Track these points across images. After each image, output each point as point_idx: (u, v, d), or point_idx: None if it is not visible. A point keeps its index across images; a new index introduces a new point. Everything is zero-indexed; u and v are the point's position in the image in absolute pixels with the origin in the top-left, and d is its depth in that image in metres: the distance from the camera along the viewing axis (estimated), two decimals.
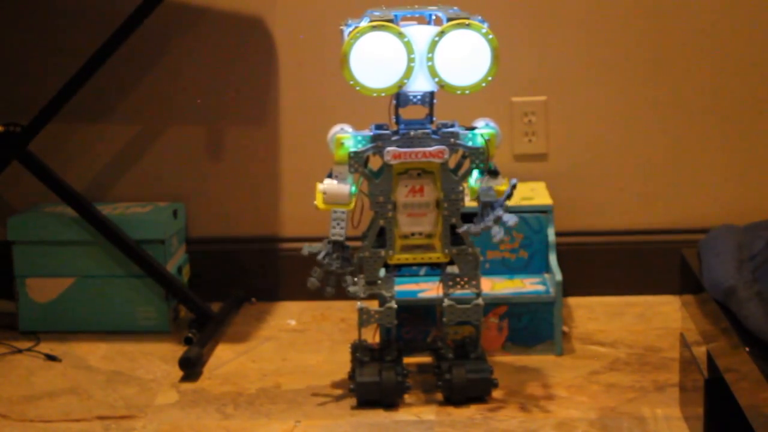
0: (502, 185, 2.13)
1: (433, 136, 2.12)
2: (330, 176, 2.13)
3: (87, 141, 2.71)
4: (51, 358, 2.40)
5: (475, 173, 2.14)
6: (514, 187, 2.11)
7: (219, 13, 2.65)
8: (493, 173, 2.13)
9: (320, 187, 2.14)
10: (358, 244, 2.16)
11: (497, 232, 2.08)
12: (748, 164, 2.64)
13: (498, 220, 2.09)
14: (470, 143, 2.13)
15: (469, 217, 2.34)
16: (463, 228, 2.11)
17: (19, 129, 2.45)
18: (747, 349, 1.58)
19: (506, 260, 2.46)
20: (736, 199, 2.65)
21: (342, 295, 2.18)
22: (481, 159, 2.11)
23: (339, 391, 2.20)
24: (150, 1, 2.41)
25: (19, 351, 2.44)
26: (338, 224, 2.13)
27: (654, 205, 2.67)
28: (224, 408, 2.15)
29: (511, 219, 2.09)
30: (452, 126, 2.15)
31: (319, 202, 2.14)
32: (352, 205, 2.14)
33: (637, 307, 2.59)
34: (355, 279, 2.14)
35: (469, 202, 2.24)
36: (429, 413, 2.10)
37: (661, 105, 2.64)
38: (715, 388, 1.79)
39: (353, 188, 2.13)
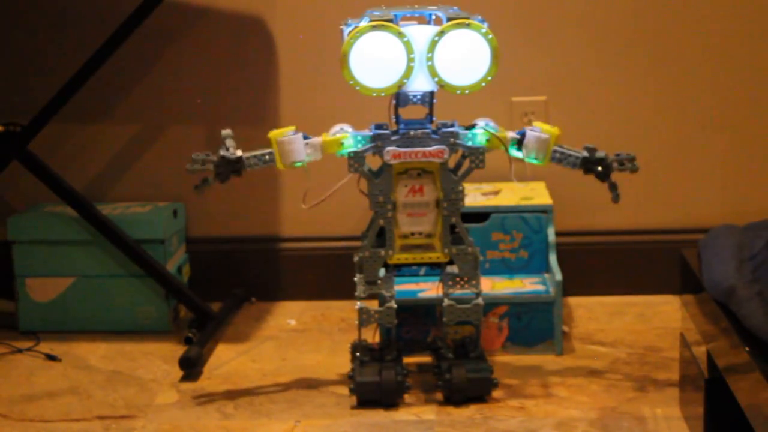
0: (542, 132, 2.14)
1: (433, 136, 2.12)
2: (308, 138, 2.14)
3: (87, 141, 2.71)
4: (51, 358, 2.40)
5: (514, 152, 2.14)
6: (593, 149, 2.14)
7: (219, 13, 2.65)
8: (523, 139, 2.13)
9: (288, 133, 2.13)
10: (357, 244, 2.16)
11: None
12: (748, 164, 2.64)
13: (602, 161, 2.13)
14: (470, 143, 2.13)
15: (469, 216, 2.34)
16: (613, 198, 2.15)
17: (19, 129, 2.45)
18: (747, 348, 1.58)
19: (506, 260, 2.46)
20: (736, 199, 2.65)
21: (342, 295, 2.18)
22: (481, 159, 2.11)
23: (339, 391, 2.20)
24: (150, 1, 2.41)
25: (19, 351, 2.44)
26: (233, 147, 2.14)
27: (654, 205, 2.67)
28: (224, 408, 2.15)
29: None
30: (452, 126, 2.15)
31: (276, 132, 2.13)
32: (281, 166, 2.13)
33: (637, 307, 2.59)
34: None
35: (469, 203, 2.24)
36: (429, 413, 2.10)
37: (661, 105, 2.64)
38: (715, 388, 1.79)
39: (299, 164, 2.13)
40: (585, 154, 2.13)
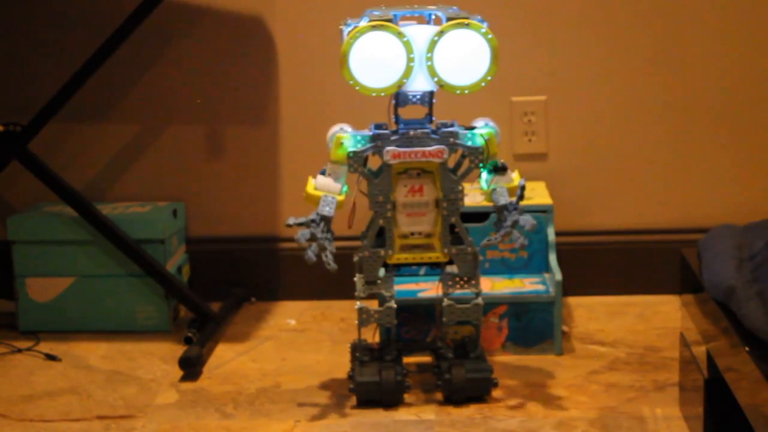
0: (513, 181, 2.13)
1: (433, 136, 2.12)
2: (323, 173, 2.13)
3: (87, 141, 2.71)
4: (51, 357, 2.40)
5: (484, 174, 2.14)
6: (523, 188, 2.11)
7: (219, 13, 2.65)
8: (501, 169, 2.13)
9: (312, 180, 2.13)
10: (357, 244, 2.16)
11: (517, 237, 2.10)
12: (748, 164, 2.64)
13: (515, 224, 2.10)
14: (469, 143, 2.13)
15: (469, 216, 2.34)
16: (484, 241, 2.12)
17: (19, 129, 2.45)
18: (747, 348, 1.58)
19: (506, 260, 2.46)
20: (736, 199, 2.65)
21: (341, 294, 2.18)
22: (480, 159, 2.11)
23: (339, 391, 2.20)
24: (150, 1, 2.41)
25: (19, 351, 2.44)
26: (328, 205, 2.11)
27: (654, 205, 2.67)
28: (224, 408, 2.15)
29: (527, 222, 2.10)
30: (451, 125, 2.15)
31: (309, 188, 2.12)
32: (343, 197, 2.13)
33: (637, 307, 2.59)
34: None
35: (468, 203, 2.24)
36: (429, 413, 2.10)
37: (661, 105, 2.64)
38: (715, 387, 1.79)
39: (345, 188, 2.12)
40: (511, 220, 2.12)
